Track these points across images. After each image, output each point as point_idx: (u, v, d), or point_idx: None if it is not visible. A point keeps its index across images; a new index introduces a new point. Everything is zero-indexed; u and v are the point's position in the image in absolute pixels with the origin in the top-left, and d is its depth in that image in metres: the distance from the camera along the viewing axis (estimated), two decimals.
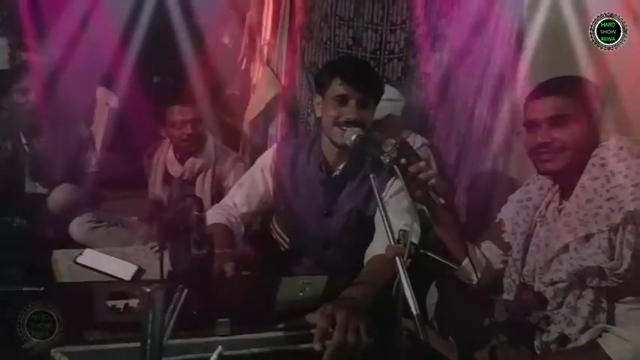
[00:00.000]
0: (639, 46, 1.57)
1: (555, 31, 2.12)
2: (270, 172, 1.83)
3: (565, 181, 1.46)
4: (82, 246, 2.12)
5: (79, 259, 1.76)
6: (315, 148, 1.78)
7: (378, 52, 2.41)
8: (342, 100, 1.61)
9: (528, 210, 1.54)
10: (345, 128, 1.58)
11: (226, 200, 1.87)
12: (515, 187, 1.71)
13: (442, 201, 1.42)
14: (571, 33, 1.97)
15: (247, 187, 1.84)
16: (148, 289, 0.78)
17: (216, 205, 1.87)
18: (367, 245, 1.59)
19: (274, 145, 1.92)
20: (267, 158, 1.86)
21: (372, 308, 1.25)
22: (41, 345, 1.05)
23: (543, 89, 1.49)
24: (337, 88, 1.62)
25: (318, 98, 1.71)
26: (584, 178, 1.38)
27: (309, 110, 2.58)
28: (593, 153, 1.38)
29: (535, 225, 1.52)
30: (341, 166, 1.72)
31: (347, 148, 1.62)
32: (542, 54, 2.17)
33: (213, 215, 1.75)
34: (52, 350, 1.04)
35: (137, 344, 0.90)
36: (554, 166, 1.43)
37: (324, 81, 1.67)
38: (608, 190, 1.32)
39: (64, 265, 1.75)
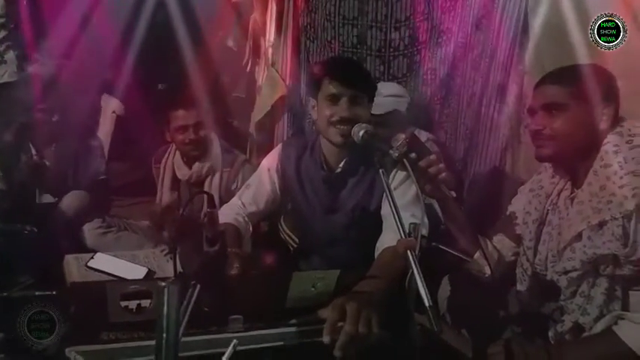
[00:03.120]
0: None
1: (556, 27, 2.11)
2: (277, 171, 1.84)
3: (573, 169, 1.45)
4: (93, 251, 2.13)
5: (91, 263, 1.77)
6: (317, 147, 1.79)
7: (383, 50, 2.41)
8: (334, 100, 1.62)
9: (540, 198, 1.53)
10: (339, 127, 1.59)
11: (234, 200, 1.88)
12: (524, 180, 1.70)
13: (453, 194, 1.42)
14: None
15: (255, 187, 1.86)
16: (163, 284, 0.78)
17: (224, 206, 1.88)
18: (374, 239, 1.59)
19: (279, 145, 1.93)
20: (273, 158, 1.87)
21: (384, 302, 1.25)
22: (55, 345, 1.05)
23: (545, 78, 1.49)
24: (328, 87, 1.63)
25: (312, 101, 1.72)
26: (597, 165, 1.36)
27: None
28: (606, 140, 1.37)
29: (547, 213, 1.51)
30: (342, 164, 1.72)
31: (345, 147, 1.63)
32: (545, 48, 2.16)
33: (221, 215, 1.76)
34: (67, 350, 1.04)
35: (151, 342, 0.90)
36: (545, 152, 1.44)
37: (315, 84, 1.68)
38: (621, 177, 1.31)
39: (75, 268, 1.75)
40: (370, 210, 1.69)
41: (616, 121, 1.39)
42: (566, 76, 1.44)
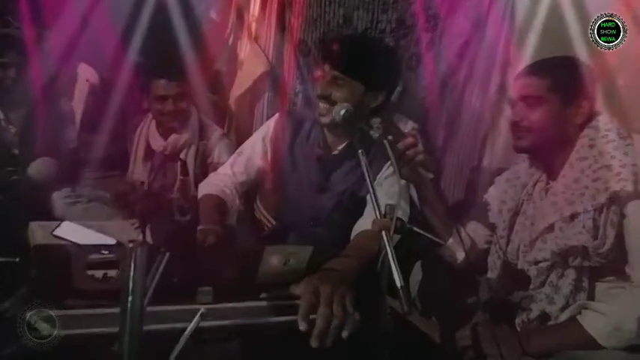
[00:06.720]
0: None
1: (549, 20, 2.12)
2: (271, 141, 1.80)
3: (549, 161, 1.47)
4: (60, 220, 2.07)
5: (57, 232, 1.72)
6: (319, 125, 1.75)
7: (369, 32, 2.38)
8: (323, 76, 1.61)
9: (516, 188, 1.55)
10: (319, 103, 1.59)
11: (224, 169, 1.83)
12: (502, 170, 1.71)
13: (431, 175, 1.42)
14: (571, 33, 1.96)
15: (247, 155, 1.81)
16: (131, 245, 0.75)
17: (212, 174, 1.83)
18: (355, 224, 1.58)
19: (277, 115, 1.88)
20: (269, 127, 1.83)
21: (356, 282, 1.24)
22: (16, 307, 1.01)
23: (525, 69, 1.50)
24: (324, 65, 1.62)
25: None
26: (573, 158, 1.38)
27: (297, 88, 2.54)
28: (583, 134, 1.39)
29: (522, 203, 1.53)
30: (341, 146, 1.70)
31: (336, 127, 1.61)
32: (537, 40, 2.17)
33: (208, 185, 1.72)
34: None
35: (116, 310, 0.87)
36: (522, 143, 1.45)
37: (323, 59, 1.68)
38: (595, 171, 1.33)
39: (40, 236, 1.70)
40: (359, 196, 1.67)
41: (592, 115, 1.41)
42: (546, 68, 1.45)
